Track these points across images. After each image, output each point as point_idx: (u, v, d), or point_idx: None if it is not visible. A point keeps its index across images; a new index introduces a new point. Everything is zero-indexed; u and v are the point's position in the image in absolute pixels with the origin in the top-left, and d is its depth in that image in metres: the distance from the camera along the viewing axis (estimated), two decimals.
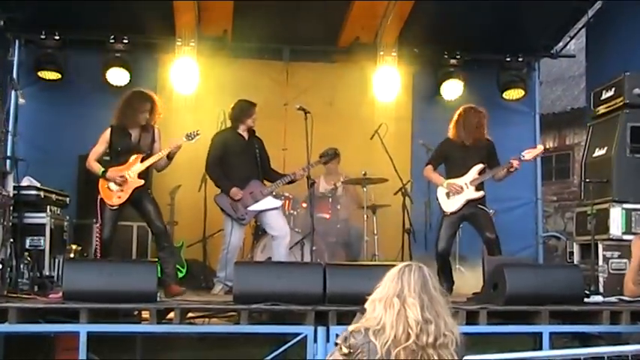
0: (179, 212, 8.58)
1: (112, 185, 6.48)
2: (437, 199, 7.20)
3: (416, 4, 8.77)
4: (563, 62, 12.67)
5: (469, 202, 6.98)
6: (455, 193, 6.99)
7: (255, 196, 7.25)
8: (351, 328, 2.99)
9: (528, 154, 7.04)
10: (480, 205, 7.03)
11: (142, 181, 6.54)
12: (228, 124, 7.64)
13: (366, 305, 3.03)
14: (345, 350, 2.94)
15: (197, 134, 6.75)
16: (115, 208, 6.49)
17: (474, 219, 7.07)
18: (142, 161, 6.56)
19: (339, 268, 6.29)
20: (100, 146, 6.65)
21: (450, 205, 7.03)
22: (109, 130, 6.66)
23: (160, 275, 6.57)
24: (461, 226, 7.39)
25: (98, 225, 6.62)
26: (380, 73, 9.47)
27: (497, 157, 7.14)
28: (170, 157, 6.66)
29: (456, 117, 7.17)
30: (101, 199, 6.50)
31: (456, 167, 7.11)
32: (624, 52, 8.29)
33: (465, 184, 7.00)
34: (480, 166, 7.01)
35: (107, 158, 6.73)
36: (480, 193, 7.00)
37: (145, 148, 6.64)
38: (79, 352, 5.17)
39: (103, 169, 6.52)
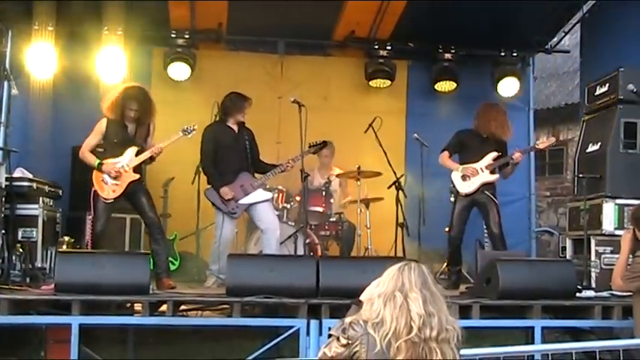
0: (172, 205, 8.58)
1: (107, 178, 6.43)
2: (451, 183, 7.44)
3: None
4: (557, 58, 12.69)
5: (483, 185, 7.28)
6: (471, 176, 7.29)
7: (245, 189, 7.22)
8: (348, 319, 2.97)
9: (542, 144, 7.52)
10: (490, 194, 7.30)
11: (138, 175, 6.52)
12: None
13: (364, 303, 3.01)
14: (344, 341, 2.91)
15: (194, 129, 6.75)
16: (109, 202, 6.45)
17: (484, 209, 7.34)
18: (136, 155, 6.53)
19: (333, 262, 6.31)
20: (95, 137, 6.59)
21: (466, 186, 7.33)
22: (104, 121, 6.59)
23: (152, 268, 6.57)
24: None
25: (90, 217, 6.56)
26: (374, 67, 9.50)
27: (507, 151, 7.46)
28: (153, 158, 6.65)
29: (482, 112, 7.51)
30: (94, 191, 6.45)
31: (471, 155, 7.42)
32: (619, 47, 8.29)
33: (481, 168, 7.32)
34: (495, 153, 7.35)
35: (101, 150, 6.68)
36: (495, 176, 7.34)
37: (139, 142, 6.61)
38: (71, 345, 5.17)
39: (98, 161, 6.46)
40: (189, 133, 6.73)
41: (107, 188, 6.43)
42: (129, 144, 6.56)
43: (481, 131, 7.41)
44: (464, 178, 7.33)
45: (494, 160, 7.33)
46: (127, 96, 6.57)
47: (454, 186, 7.40)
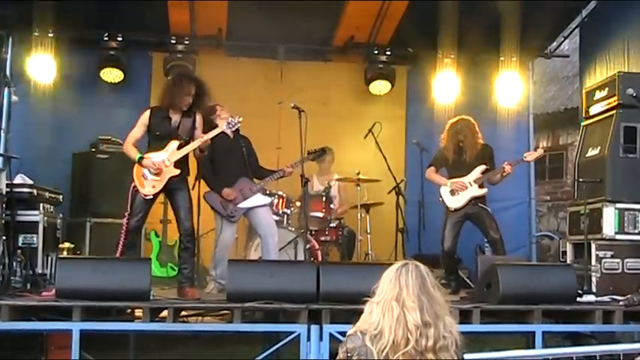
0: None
1: (147, 173, 6.27)
2: (440, 198, 7.30)
3: (410, 3, 8.78)
4: (557, 62, 12.69)
5: (473, 199, 7.17)
6: (459, 190, 7.18)
7: (244, 193, 7.21)
8: (349, 331, 2.99)
9: (530, 156, 7.41)
10: (482, 205, 7.21)
11: (178, 171, 6.30)
12: None
13: (365, 306, 3.01)
14: (342, 355, 2.95)
15: (238, 122, 6.65)
16: (148, 198, 6.31)
17: (477, 219, 7.23)
18: (179, 148, 6.34)
19: (333, 267, 6.31)
20: (139, 129, 6.44)
21: (455, 201, 7.20)
22: (148, 112, 6.46)
23: (176, 274, 6.53)
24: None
25: (126, 214, 6.40)
26: (374, 72, 9.53)
27: (494, 162, 7.36)
28: (202, 149, 6.46)
29: (447, 130, 7.37)
30: (134, 186, 6.30)
31: (459, 169, 7.29)
32: (618, 52, 8.30)
33: (469, 182, 7.20)
34: (483, 166, 7.23)
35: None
36: (484, 190, 7.23)
37: (184, 134, 6.41)
38: (72, 350, 5.17)
39: (139, 155, 6.30)
40: (234, 125, 6.64)
41: (147, 184, 6.27)
42: (172, 136, 6.37)
43: (452, 151, 7.28)
44: (452, 192, 7.22)
45: (483, 173, 7.22)
46: (188, 80, 6.49)
47: (443, 201, 7.30)
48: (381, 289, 2.98)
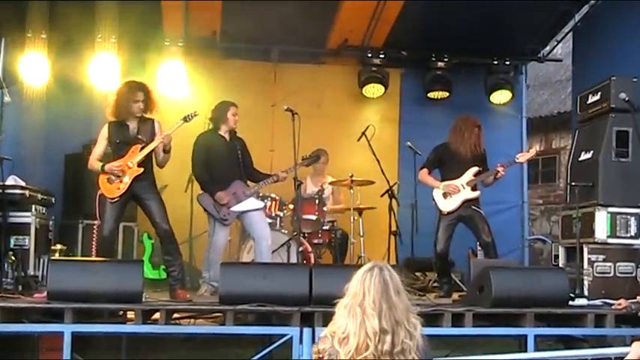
0: None
1: (112, 178, 6.28)
2: (433, 201, 7.33)
3: (404, 6, 8.80)
4: (550, 66, 12.75)
5: (466, 202, 7.20)
6: (452, 193, 7.20)
7: (237, 196, 7.21)
8: (322, 333, 3.13)
9: (522, 157, 7.39)
10: (475, 207, 7.23)
11: (142, 169, 6.31)
12: None
13: (336, 308, 3.10)
14: (314, 356, 3.11)
15: (195, 115, 6.62)
16: (115, 200, 6.26)
17: (470, 221, 7.24)
18: (140, 150, 6.36)
19: (325, 270, 6.30)
20: (100, 145, 6.48)
21: (448, 204, 7.23)
22: (106, 127, 6.49)
23: (165, 278, 6.52)
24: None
25: (97, 224, 6.39)
26: (367, 76, 9.54)
27: (487, 164, 7.39)
28: (166, 150, 6.45)
29: (454, 126, 7.40)
30: (100, 195, 6.32)
31: (452, 171, 7.32)
32: (611, 56, 8.33)
33: (462, 184, 7.23)
34: (475, 168, 7.26)
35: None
36: (477, 193, 7.25)
37: (145, 138, 6.42)
38: (63, 353, 5.15)
39: (101, 164, 6.34)
40: (190, 119, 6.59)
41: (112, 187, 6.27)
42: (132, 142, 6.39)
43: (458, 147, 7.29)
44: (445, 195, 7.25)
45: (475, 175, 7.24)
46: (133, 88, 6.47)
47: (436, 204, 7.32)
48: (349, 293, 3.09)
